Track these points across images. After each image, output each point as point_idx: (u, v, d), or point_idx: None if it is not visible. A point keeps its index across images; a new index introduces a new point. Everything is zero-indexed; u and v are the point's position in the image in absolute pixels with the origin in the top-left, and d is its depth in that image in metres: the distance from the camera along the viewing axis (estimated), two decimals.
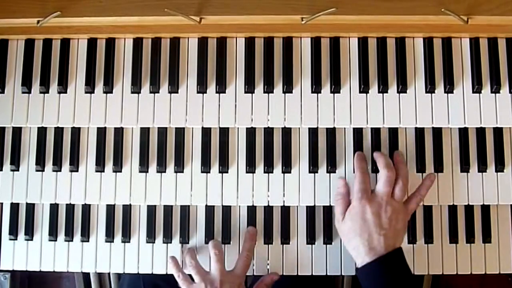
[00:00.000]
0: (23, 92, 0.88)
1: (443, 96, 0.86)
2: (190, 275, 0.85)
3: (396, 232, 0.79)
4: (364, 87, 0.86)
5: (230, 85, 0.87)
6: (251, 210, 0.88)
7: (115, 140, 0.88)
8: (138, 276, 0.89)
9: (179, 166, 0.87)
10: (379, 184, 0.82)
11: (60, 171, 0.88)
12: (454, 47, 0.87)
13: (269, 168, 0.87)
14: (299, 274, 0.87)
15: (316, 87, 0.86)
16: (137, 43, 0.88)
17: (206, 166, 0.87)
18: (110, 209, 0.89)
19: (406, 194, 0.84)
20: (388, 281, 0.76)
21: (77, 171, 0.88)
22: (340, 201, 0.83)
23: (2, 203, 0.90)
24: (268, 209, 0.88)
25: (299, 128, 0.88)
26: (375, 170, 0.86)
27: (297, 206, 0.88)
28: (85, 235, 0.89)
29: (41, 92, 0.88)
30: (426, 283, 1.07)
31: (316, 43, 0.87)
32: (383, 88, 0.86)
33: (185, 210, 0.89)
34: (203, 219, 0.89)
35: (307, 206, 0.88)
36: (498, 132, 0.87)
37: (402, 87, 0.86)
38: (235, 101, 0.87)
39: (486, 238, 0.87)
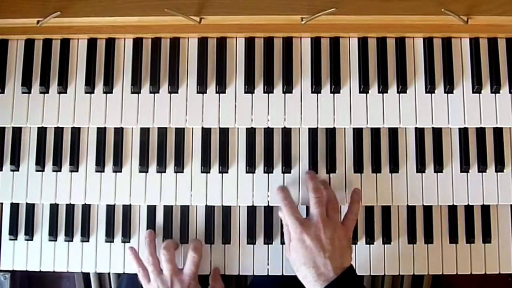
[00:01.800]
0: (23, 92, 0.88)
1: (443, 96, 0.86)
2: None
3: (341, 251, 0.78)
4: (364, 87, 0.86)
5: (230, 85, 0.87)
6: (251, 210, 0.88)
7: (115, 140, 0.88)
8: (136, 276, 0.88)
9: (179, 166, 0.87)
10: (311, 208, 0.81)
11: (60, 171, 0.88)
12: (454, 47, 0.87)
13: (269, 168, 0.87)
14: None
15: (316, 87, 0.86)
16: (137, 43, 0.88)
17: (206, 166, 0.87)
18: (110, 209, 0.89)
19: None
20: None
21: (77, 171, 0.88)
22: (286, 232, 0.82)
23: (2, 203, 0.90)
24: (268, 209, 0.88)
25: (299, 128, 0.88)
26: (375, 170, 0.86)
27: (297, 207, 0.88)
28: (85, 235, 0.89)
29: (41, 92, 0.88)
30: (426, 283, 1.07)
31: (316, 43, 0.87)
32: (383, 88, 0.86)
33: (185, 210, 0.89)
34: (203, 219, 0.89)
35: (307, 206, 0.87)
36: (498, 132, 0.87)
37: (402, 87, 0.86)
38: (235, 101, 0.87)
39: (486, 238, 0.87)
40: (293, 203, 0.82)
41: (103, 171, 0.88)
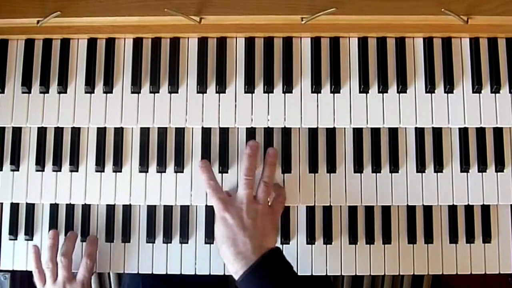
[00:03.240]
0: (23, 92, 0.88)
1: (443, 96, 0.86)
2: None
3: (263, 232, 0.77)
4: (364, 87, 0.86)
5: (230, 85, 0.87)
6: None
7: (115, 140, 0.88)
8: (138, 276, 0.88)
9: (179, 166, 0.87)
10: (239, 188, 0.81)
11: (60, 171, 0.88)
12: (454, 47, 0.87)
13: None
14: (299, 274, 0.87)
15: (316, 87, 0.86)
16: (137, 43, 0.88)
17: None
18: (110, 209, 0.89)
19: None
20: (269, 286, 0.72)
21: (77, 171, 0.88)
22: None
23: (2, 203, 0.90)
24: None
25: (299, 128, 0.88)
26: (375, 170, 0.86)
27: (297, 206, 0.88)
28: (85, 235, 0.89)
29: (41, 92, 0.88)
30: (426, 283, 1.07)
31: (316, 43, 0.87)
32: (383, 88, 0.86)
33: (185, 210, 0.89)
34: (203, 219, 0.89)
35: (307, 206, 0.88)
36: (498, 132, 0.87)
37: (402, 87, 0.86)
38: (235, 101, 0.87)
39: (486, 238, 0.87)
40: (217, 183, 0.82)
41: (103, 171, 0.88)
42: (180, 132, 0.88)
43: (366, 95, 0.86)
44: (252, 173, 0.81)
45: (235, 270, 0.74)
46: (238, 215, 0.77)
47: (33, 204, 0.90)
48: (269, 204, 0.82)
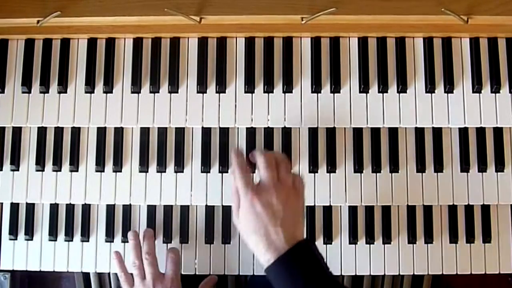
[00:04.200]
0: (23, 92, 0.88)
1: (443, 96, 0.86)
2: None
3: (293, 219, 0.73)
4: (364, 87, 0.86)
5: (230, 85, 0.87)
6: None
7: (115, 140, 0.88)
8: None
9: (179, 166, 0.87)
10: (261, 171, 0.76)
11: (60, 171, 0.88)
12: (454, 47, 0.87)
13: None
14: None
15: (316, 87, 0.86)
16: (137, 43, 0.88)
17: (206, 166, 0.87)
18: (110, 209, 0.89)
19: None
20: (296, 278, 0.68)
21: (77, 171, 0.88)
22: (234, 197, 0.77)
23: (2, 203, 0.90)
24: None
25: (299, 128, 0.88)
26: (375, 170, 0.86)
27: None
28: (85, 235, 0.89)
29: (41, 92, 0.88)
30: (426, 283, 1.07)
31: (316, 43, 0.87)
32: (383, 88, 0.86)
33: (185, 210, 0.89)
34: (203, 219, 0.89)
35: (307, 206, 0.87)
36: (498, 132, 0.87)
37: (402, 87, 0.86)
38: (235, 101, 0.87)
39: (486, 238, 0.87)
40: (247, 168, 0.77)
41: (103, 171, 0.88)
42: (180, 132, 0.88)
43: (366, 95, 0.86)
44: (269, 155, 0.76)
45: (267, 259, 0.70)
46: (267, 202, 0.72)
47: (33, 204, 0.89)
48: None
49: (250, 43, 0.88)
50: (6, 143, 0.89)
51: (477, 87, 0.86)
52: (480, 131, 0.87)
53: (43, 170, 0.88)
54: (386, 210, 0.88)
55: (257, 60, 0.88)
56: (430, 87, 0.86)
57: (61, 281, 1.14)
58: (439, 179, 0.86)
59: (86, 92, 0.88)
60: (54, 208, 0.89)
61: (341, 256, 0.87)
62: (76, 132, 0.88)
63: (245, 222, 0.74)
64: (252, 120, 0.86)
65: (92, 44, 0.88)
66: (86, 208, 0.89)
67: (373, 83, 0.87)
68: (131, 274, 0.85)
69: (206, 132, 0.88)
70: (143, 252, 0.84)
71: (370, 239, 0.87)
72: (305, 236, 0.76)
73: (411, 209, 0.88)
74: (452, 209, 0.88)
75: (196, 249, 0.88)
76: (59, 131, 0.88)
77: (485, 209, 0.88)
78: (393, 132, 0.87)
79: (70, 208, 0.89)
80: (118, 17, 0.85)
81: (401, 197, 0.86)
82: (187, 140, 0.88)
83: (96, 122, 0.87)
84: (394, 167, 0.86)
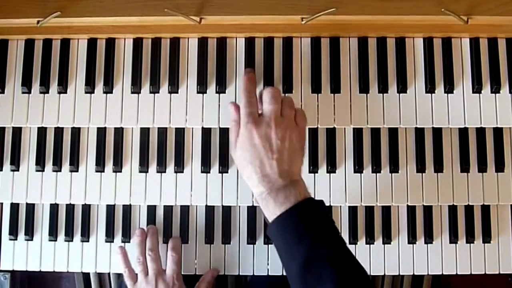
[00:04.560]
0: (23, 92, 0.88)
1: (443, 96, 0.86)
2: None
3: (291, 155, 0.73)
4: (364, 87, 0.86)
5: (231, 85, 0.87)
6: (251, 210, 0.88)
7: (115, 140, 0.88)
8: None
9: (179, 166, 0.87)
10: (264, 104, 0.75)
11: (60, 171, 0.88)
12: (454, 47, 0.87)
13: None
14: None
15: (316, 87, 0.86)
16: (137, 43, 0.88)
17: (206, 166, 0.87)
18: (110, 209, 0.89)
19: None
20: (302, 231, 0.67)
21: (77, 171, 0.88)
22: (233, 127, 0.77)
23: (2, 203, 0.90)
24: None
25: None
26: (375, 170, 0.86)
27: None
28: (85, 235, 0.89)
29: (41, 92, 0.88)
30: (426, 283, 1.07)
31: (316, 43, 0.87)
32: (383, 88, 0.86)
33: (185, 210, 0.89)
34: (203, 219, 0.89)
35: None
36: (498, 132, 0.87)
37: (402, 87, 0.86)
38: (236, 101, 0.87)
39: (486, 238, 0.87)
40: (255, 99, 0.77)
41: (103, 171, 0.88)
42: (180, 132, 0.88)
43: (366, 95, 0.86)
44: (277, 90, 0.76)
45: (260, 191, 0.71)
46: (266, 135, 0.72)
47: (33, 204, 0.89)
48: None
49: (250, 43, 0.88)
50: (6, 143, 0.89)
51: (477, 87, 0.86)
52: (480, 131, 0.87)
53: (43, 170, 0.88)
54: (386, 210, 0.88)
55: (257, 60, 0.87)
56: (430, 87, 0.86)
57: (61, 281, 1.14)
58: (439, 179, 0.86)
59: (86, 92, 0.88)
60: (54, 208, 0.89)
61: None
62: (76, 132, 0.88)
63: (241, 152, 0.74)
64: None
65: (92, 44, 0.88)
66: (86, 208, 0.89)
67: (373, 83, 0.87)
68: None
69: (206, 132, 0.88)
70: (146, 249, 0.85)
71: (370, 239, 0.87)
72: (302, 175, 0.75)
73: (411, 209, 0.88)
74: (452, 209, 0.88)
75: (196, 249, 0.88)
76: (59, 131, 0.88)
77: (485, 209, 0.88)
78: (393, 132, 0.87)
79: (70, 208, 0.89)
80: (118, 17, 0.85)
81: (401, 197, 0.86)
82: (187, 140, 0.88)
83: (96, 122, 0.87)
84: (394, 167, 0.86)
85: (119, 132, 0.88)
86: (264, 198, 0.71)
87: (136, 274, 0.86)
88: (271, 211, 0.70)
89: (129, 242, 0.89)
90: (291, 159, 0.73)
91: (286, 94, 0.86)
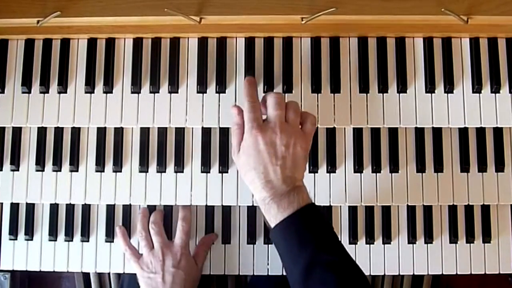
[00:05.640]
0: (23, 92, 0.88)
1: (443, 96, 0.86)
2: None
3: (295, 161, 0.72)
4: (364, 87, 0.86)
5: (230, 85, 0.87)
6: (251, 210, 0.88)
7: (115, 140, 0.88)
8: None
9: (179, 166, 0.87)
10: (269, 109, 0.75)
11: (60, 171, 0.88)
12: (454, 47, 0.87)
13: None
14: None
15: (316, 87, 0.86)
16: (137, 43, 0.88)
17: (206, 166, 0.87)
18: (110, 209, 0.89)
19: None
20: (303, 237, 0.68)
21: (77, 171, 0.88)
22: (236, 131, 0.76)
23: (2, 203, 0.90)
24: None
25: None
26: (375, 170, 0.86)
27: None
28: (85, 235, 0.89)
29: (41, 92, 0.88)
30: (426, 283, 1.07)
31: (316, 43, 0.87)
32: (383, 88, 0.86)
33: None
34: (203, 219, 0.89)
35: None
36: (498, 132, 0.87)
37: (402, 87, 0.86)
38: (236, 101, 0.87)
39: (486, 238, 0.87)
40: (259, 104, 0.76)
41: (103, 171, 0.88)
42: (180, 132, 0.88)
43: (366, 95, 0.86)
44: (281, 95, 0.76)
45: (263, 197, 0.71)
46: (271, 141, 0.72)
47: (33, 204, 0.90)
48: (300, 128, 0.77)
49: (250, 43, 0.88)
50: (6, 143, 0.89)
51: (477, 87, 0.86)
52: (480, 131, 0.87)
53: (43, 170, 0.88)
54: (386, 210, 0.88)
55: (257, 60, 0.87)
56: (430, 87, 0.86)
57: (61, 281, 1.14)
58: (439, 179, 0.86)
59: (86, 92, 0.88)
60: (54, 208, 0.89)
61: None
62: (76, 132, 0.88)
63: (245, 158, 0.74)
64: None
65: (92, 44, 0.88)
66: (86, 208, 0.89)
67: (373, 83, 0.87)
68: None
69: (206, 132, 0.88)
70: (150, 223, 0.84)
71: (370, 239, 0.87)
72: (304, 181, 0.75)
73: (411, 209, 0.88)
74: (452, 209, 0.88)
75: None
76: (59, 131, 0.88)
77: (485, 209, 0.88)
78: (393, 132, 0.88)
79: (70, 208, 0.89)
80: (118, 17, 0.85)
81: (401, 197, 0.86)
82: (187, 140, 0.88)
83: (96, 122, 0.87)
84: (394, 167, 0.86)
85: (119, 132, 0.88)
86: (267, 204, 0.71)
87: (141, 255, 0.86)
88: (273, 216, 0.70)
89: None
90: (294, 165, 0.73)
91: (286, 94, 0.86)
